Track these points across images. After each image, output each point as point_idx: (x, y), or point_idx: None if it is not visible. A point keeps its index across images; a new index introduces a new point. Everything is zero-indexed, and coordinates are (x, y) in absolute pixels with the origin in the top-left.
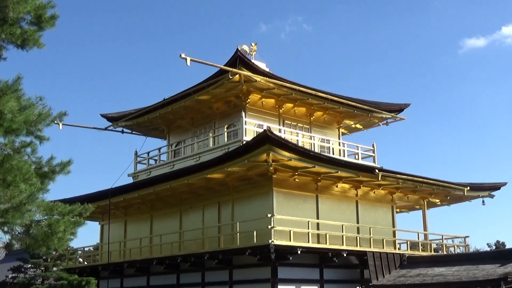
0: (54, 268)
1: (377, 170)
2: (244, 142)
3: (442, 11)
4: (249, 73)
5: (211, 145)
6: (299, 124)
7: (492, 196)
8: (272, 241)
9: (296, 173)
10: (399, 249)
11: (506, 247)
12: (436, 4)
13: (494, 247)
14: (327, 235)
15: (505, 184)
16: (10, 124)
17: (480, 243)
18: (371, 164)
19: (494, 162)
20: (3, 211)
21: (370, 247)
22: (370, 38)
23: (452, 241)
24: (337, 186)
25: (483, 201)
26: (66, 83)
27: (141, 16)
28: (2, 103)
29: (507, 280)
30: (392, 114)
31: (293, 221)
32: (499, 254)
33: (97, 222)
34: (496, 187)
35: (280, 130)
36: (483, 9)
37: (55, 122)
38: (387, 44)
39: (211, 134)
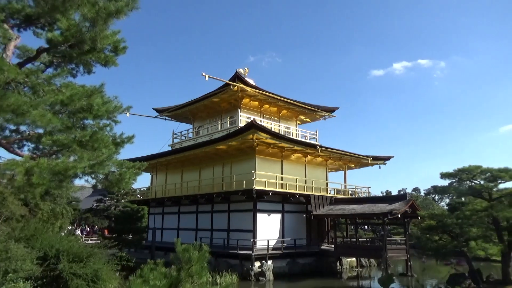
0: (122, 200)
1: (318, 146)
2: (239, 128)
3: (357, 51)
4: (243, 86)
5: (219, 128)
6: (272, 117)
7: (385, 164)
8: (254, 187)
9: (270, 146)
10: (329, 193)
11: (391, 194)
12: (354, 47)
13: (385, 194)
14: (287, 184)
15: (392, 156)
16: (97, 112)
17: (377, 191)
18: (315, 142)
19: (386, 144)
20: (92, 165)
21: (312, 191)
22: (315, 67)
23: (361, 189)
24: (294, 155)
25: (379, 167)
26: (132, 86)
27: (179, 44)
28: (92, 99)
29: (392, 213)
30: (328, 113)
31: (267, 175)
32: (388, 198)
33: (149, 173)
34: (387, 158)
35: (261, 121)
36: (381, 50)
37: (125, 112)
38: (325, 70)
39: (219, 122)
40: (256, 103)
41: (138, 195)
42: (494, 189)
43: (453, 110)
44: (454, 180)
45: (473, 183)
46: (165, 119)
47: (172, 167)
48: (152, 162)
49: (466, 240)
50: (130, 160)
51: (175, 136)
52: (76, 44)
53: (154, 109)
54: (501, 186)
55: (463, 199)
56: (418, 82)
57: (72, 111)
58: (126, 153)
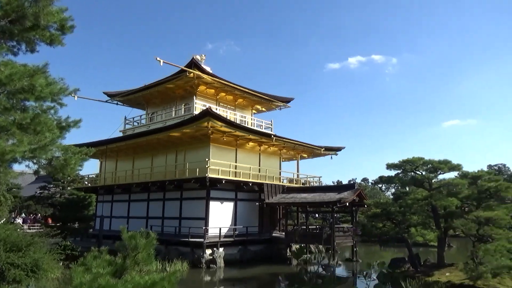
0: (68, 188)
1: (272, 136)
2: (194, 115)
3: (315, 44)
4: (199, 73)
5: (173, 115)
6: (228, 106)
7: (336, 154)
8: (208, 175)
9: (225, 135)
10: (282, 182)
11: (342, 183)
12: (312, 40)
13: (335, 183)
14: (241, 172)
15: (344, 147)
16: (40, 93)
17: (328, 181)
18: (270, 132)
19: (338, 135)
20: (33, 150)
21: (266, 180)
22: (273, 58)
23: (313, 179)
24: (248, 144)
25: (331, 157)
26: (83, 69)
27: (135, 26)
28: (34, 79)
29: (340, 202)
30: (284, 103)
31: (221, 163)
32: (338, 187)
33: (98, 160)
34: (339, 149)
35: (216, 109)
36: (338, 44)
37: (72, 94)
38: (282, 61)
39: (174, 109)
40: (212, 91)
41: (86, 182)
42: (434, 180)
43: (402, 105)
44: (399, 171)
45: (415, 174)
46: (117, 104)
47: (123, 153)
48: (101, 148)
49: (407, 226)
50: (76, 145)
51: (127, 122)
52: (17, 19)
53: (104, 93)
54: (441, 176)
55: (407, 188)
56: (371, 77)
57: (11, 91)
58: (73, 138)
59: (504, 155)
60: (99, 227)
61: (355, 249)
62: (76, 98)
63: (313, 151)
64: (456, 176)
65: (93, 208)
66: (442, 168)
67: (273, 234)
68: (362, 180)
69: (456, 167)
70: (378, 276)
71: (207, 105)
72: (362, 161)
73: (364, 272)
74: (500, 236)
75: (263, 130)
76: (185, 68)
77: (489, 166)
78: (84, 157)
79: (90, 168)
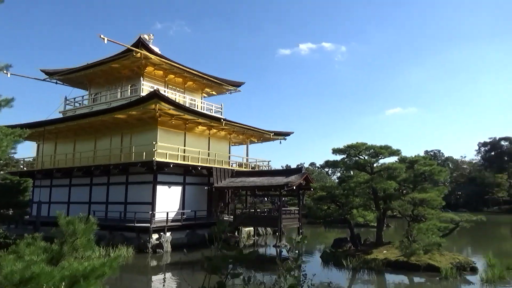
0: (1, 172)
1: (222, 120)
2: (141, 97)
3: (267, 29)
4: (147, 53)
5: (119, 97)
6: (177, 88)
7: (285, 139)
8: (155, 159)
9: (173, 118)
10: (231, 166)
11: (290, 168)
12: (264, 25)
13: (284, 167)
14: (190, 156)
15: (292, 132)
16: None
17: (277, 165)
18: (219, 116)
19: (287, 120)
20: None
21: (215, 164)
22: (224, 41)
23: (262, 163)
24: (198, 127)
25: (280, 142)
26: (16, 47)
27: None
28: None
29: (288, 185)
30: (234, 87)
31: (169, 147)
32: (285, 171)
33: (35, 142)
34: (288, 134)
35: (165, 91)
36: (289, 31)
37: (3, 71)
38: (234, 45)
39: (119, 90)
40: (161, 72)
41: (22, 166)
42: (376, 164)
43: (349, 92)
44: (344, 155)
45: (359, 158)
46: (56, 83)
47: (63, 136)
48: (38, 130)
49: (350, 208)
50: (9, 126)
51: (67, 102)
52: None
53: (42, 70)
54: (382, 161)
55: (351, 172)
56: (321, 64)
57: None
58: (6, 118)
59: (440, 142)
60: (36, 213)
61: (301, 231)
62: (9, 75)
63: (263, 136)
64: (396, 161)
65: (29, 194)
66: (383, 153)
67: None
68: (310, 165)
69: (396, 152)
70: (321, 255)
71: (155, 87)
72: (311, 146)
73: (285, 245)
74: (432, 216)
75: (213, 114)
76: (131, 48)
77: (426, 152)
78: (18, 139)
79: (27, 151)
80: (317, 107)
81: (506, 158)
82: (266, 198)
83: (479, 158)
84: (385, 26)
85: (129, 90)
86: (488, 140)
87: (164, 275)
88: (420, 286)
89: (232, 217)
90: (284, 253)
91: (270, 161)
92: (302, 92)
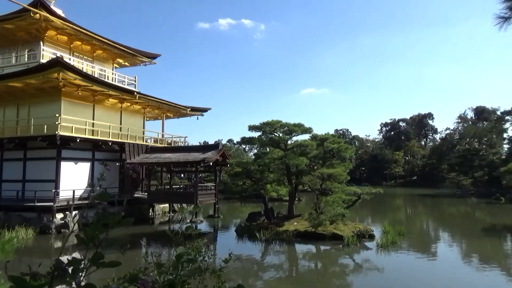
0: None
1: (135, 93)
2: (41, 64)
3: (188, 3)
4: (47, 14)
5: (14, 62)
6: (85, 57)
7: (202, 115)
8: (59, 133)
9: (80, 89)
10: (146, 142)
11: (207, 144)
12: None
13: (202, 144)
14: (99, 130)
15: (210, 108)
16: None
17: (195, 141)
18: (133, 89)
19: (205, 96)
20: None
21: (128, 139)
22: (140, 10)
23: (179, 139)
24: (108, 100)
25: (197, 117)
26: None
27: None
28: None
29: (204, 161)
30: (149, 59)
31: (75, 120)
32: (202, 147)
33: None
34: (205, 110)
35: (70, 59)
36: (209, 4)
37: None
38: (150, 14)
39: (14, 54)
40: (65, 38)
41: None
42: (289, 141)
43: (267, 71)
44: (260, 132)
45: (273, 135)
46: None
47: None
48: None
49: (264, 184)
50: None
51: None
52: None
53: None
54: (295, 138)
55: (267, 149)
56: (240, 41)
57: None
58: None
59: (348, 121)
60: None
61: (217, 206)
62: None
63: (179, 111)
64: (308, 139)
65: None
66: (296, 131)
67: (135, 195)
68: (227, 141)
69: (308, 130)
70: (236, 229)
71: (59, 53)
72: (229, 123)
73: (201, 220)
74: (338, 190)
75: (126, 87)
76: (28, 7)
77: (336, 130)
78: None
79: None
80: (236, 84)
81: (403, 138)
82: (182, 175)
83: (381, 137)
84: (304, 7)
85: (26, 55)
86: (389, 121)
87: (70, 256)
88: (326, 254)
89: (146, 194)
90: (200, 228)
91: (186, 137)
92: (220, 68)
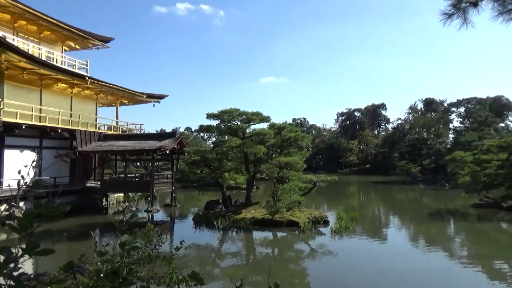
0: None
1: (87, 78)
2: None
3: None
4: None
5: None
6: (31, 38)
7: (159, 102)
8: (1, 118)
9: (25, 72)
10: (99, 129)
11: (165, 132)
12: None
13: (159, 131)
14: (47, 117)
15: (167, 95)
16: None
17: (152, 129)
18: (84, 73)
19: (161, 83)
20: None
21: (79, 126)
22: None
23: (134, 126)
24: (57, 85)
25: (154, 104)
26: None
27: None
28: None
29: (161, 149)
30: (102, 42)
31: (20, 105)
32: (159, 135)
33: None
34: (162, 96)
35: (14, 40)
36: None
37: None
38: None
39: None
40: (8, 16)
41: None
42: (248, 130)
43: (225, 58)
44: (218, 121)
45: (232, 124)
46: None
47: None
48: None
49: (222, 172)
50: None
51: None
52: None
53: None
54: (253, 127)
55: (226, 137)
56: (198, 27)
57: None
58: None
59: (306, 110)
60: None
61: (174, 195)
62: None
63: (135, 98)
64: (266, 127)
65: None
66: (254, 119)
67: (88, 184)
68: (185, 129)
69: (266, 119)
70: (194, 218)
71: (1, 33)
72: (187, 110)
73: (157, 209)
74: (294, 177)
75: (76, 71)
76: None
77: (294, 119)
78: None
79: None
80: (194, 71)
81: (358, 127)
82: (138, 163)
83: (337, 126)
84: None
85: None
86: (345, 111)
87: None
88: (282, 240)
89: (99, 183)
90: (156, 217)
91: (142, 124)
92: (178, 54)
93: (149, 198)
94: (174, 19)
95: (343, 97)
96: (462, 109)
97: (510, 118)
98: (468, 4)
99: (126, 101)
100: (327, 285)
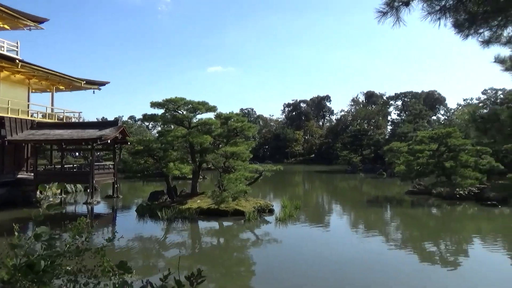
0: None
1: (17, 61)
2: None
3: None
4: None
5: None
6: None
7: (99, 89)
8: None
9: None
10: (32, 117)
11: (106, 120)
12: None
13: (100, 120)
14: None
15: (108, 82)
16: None
17: (92, 117)
18: (14, 56)
19: (102, 69)
20: None
21: (8, 113)
22: None
23: (72, 114)
24: None
25: (94, 91)
26: None
27: None
28: None
29: (101, 139)
30: (34, 23)
31: None
32: (100, 124)
33: None
34: (102, 83)
35: None
36: None
37: None
38: None
39: None
40: None
41: None
42: (194, 119)
43: (172, 46)
44: (163, 110)
45: (177, 113)
46: None
47: None
48: None
49: (167, 162)
50: None
51: None
52: None
53: None
54: (199, 116)
55: (172, 126)
56: (143, 11)
57: None
58: None
59: (254, 101)
60: None
61: (116, 186)
62: None
63: (72, 84)
64: (213, 117)
65: None
66: (200, 109)
67: (19, 176)
68: (129, 118)
69: (212, 109)
70: (137, 209)
71: None
72: (131, 98)
73: (97, 201)
74: (241, 167)
75: (5, 53)
76: None
77: (241, 110)
78: None
79: None
80: (138, 58)
81: (303, 118)
82: (77, 153)
83: (284, 117)
84: None
85: None
86: (291, 102)
87: None
88: (228, 229)
89: (32, 174)
90: (96, 209)
91: (81, 112)
92: (121, 39)
93: (88, 190)
94: (116, 1)
95: (290, 88)
96: (399, 102)
97: (441, 111)
98: (400, 4)
99: (63, 87)
100: (272, 270)
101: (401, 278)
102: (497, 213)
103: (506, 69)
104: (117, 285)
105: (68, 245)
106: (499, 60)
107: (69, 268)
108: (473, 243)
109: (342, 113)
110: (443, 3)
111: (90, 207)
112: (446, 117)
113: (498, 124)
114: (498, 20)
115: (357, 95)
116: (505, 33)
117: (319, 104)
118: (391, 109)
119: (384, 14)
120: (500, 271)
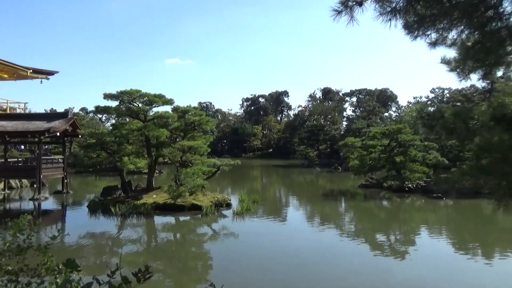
0: None
1: None
2: None
3: None
4: None
5: None
6: None
7: (48, 78)
8: None
9: None
10: None
11: (55, 112)
12: None
13: (49, 111)
14: None
15: (57, 72)
16: None
17: (40, 108)
18: None
19: (51, 58)
20: None
21: None
22: None
23: (18, 105)
24: None
25: (41, 81)
26: None
27: None
28: None
29: (50, 131)
30: None
31: None
32: (48, 115)
33: None
34: (51, 73)
35: None
36: None
37: None
38: None
39: None
40: None
41: None
42: (150, 112)
43: (127, 36)
44: (117, 102)
45: (132, 105)
46: None
47: None
48: None
49: (122, 156)
50: None
51: None
52: None
53: None
54: (155, 109)
55: (127, 119)
56: None
57: None
58: None
59: (212, 94)
60: None
61: (66, 181)
62: None
63: (17, 72)
64: (170, 111)
65: None
66: (156, 102)
67: None
68: (80, 110)
69: (169, 102)
70: (88, 205)
71: None
72: (83, 89)
73: (45, 197)
74: (198, 162)
75: None
76: None
77: (200, 103)
78: None
79: None
80: (90, 47)
81: (262, 113)
82: (23, 146)
83: (242, 111)
84: None
85: None
86: (250, 96)
87: None
88: (185, 224)
89: None
90: (44, 206)
91: (27, 103)
92: (71, 27)
93: (35, 185)
94: None
95: (249, 82)
96: (354, 99)
97: (393, 108)
98: (354, 3)
99: (6, 76)
100: (228, 264)
101: (355, 268)
102: (442, 205)
103: (451, 70)
104: (59, 284)
105: (8, 244)
106: (445, 61)
107: (9, 268)
108: (420, 233)
109: (300, 108)
110: (393, 5)
111: (37, 203)
112: (397, 114)
113: (443, 121)
114: (443, 23)
115: (314, 91)
116: (450, 36)
117: (278, 99)
118: (346, 105)
119: (339, 12)
120: (445, 258)
